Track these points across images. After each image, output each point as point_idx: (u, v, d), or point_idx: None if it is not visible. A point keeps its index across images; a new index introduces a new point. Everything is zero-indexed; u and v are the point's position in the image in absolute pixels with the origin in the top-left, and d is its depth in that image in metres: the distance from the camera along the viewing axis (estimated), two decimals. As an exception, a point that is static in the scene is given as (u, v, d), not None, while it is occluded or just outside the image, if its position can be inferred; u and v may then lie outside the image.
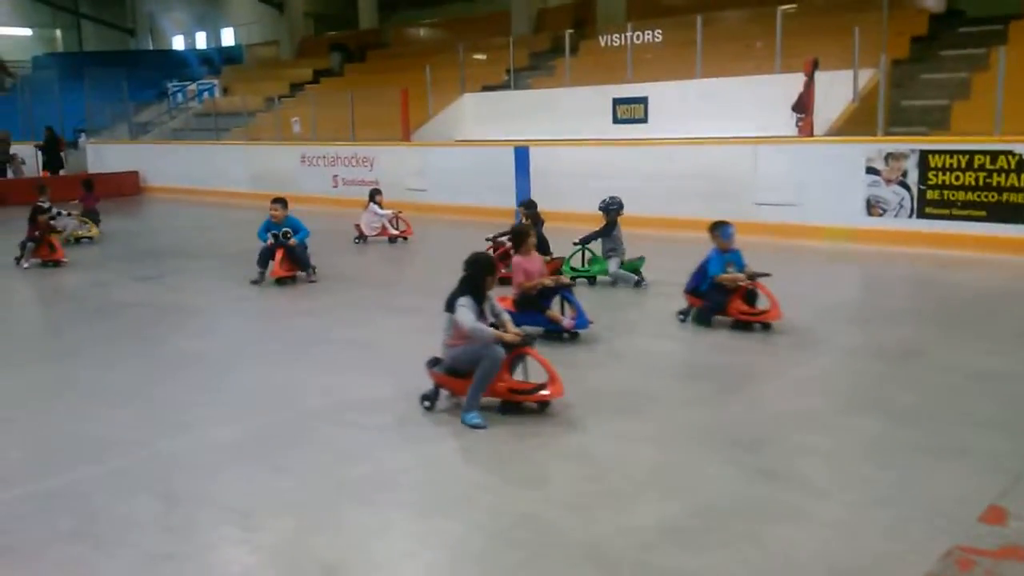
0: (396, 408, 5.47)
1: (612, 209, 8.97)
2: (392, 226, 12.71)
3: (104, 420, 5.42)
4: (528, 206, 9.57)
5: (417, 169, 16.26)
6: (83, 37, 40.26)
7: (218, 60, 31.93)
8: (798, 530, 3.76)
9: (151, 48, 39.40)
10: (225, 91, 26.57)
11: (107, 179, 21.82)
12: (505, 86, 18.34)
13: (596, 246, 9.13)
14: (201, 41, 38.79)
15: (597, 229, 8.97)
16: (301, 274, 9.62)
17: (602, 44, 17.58)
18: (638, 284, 8.78)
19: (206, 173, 20.82)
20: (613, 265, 8.91)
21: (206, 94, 26.46)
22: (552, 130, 15.41)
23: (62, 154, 22.74)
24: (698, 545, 3.67)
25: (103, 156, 23.81)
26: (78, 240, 13.31)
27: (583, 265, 9.17)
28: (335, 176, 18.06)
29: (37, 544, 3.80)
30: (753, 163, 12.23)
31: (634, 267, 8.97)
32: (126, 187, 21.76)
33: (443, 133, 17.51)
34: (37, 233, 11.25)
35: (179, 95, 27.19)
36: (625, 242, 9.05)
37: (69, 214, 13.38)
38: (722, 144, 12.79)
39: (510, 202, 14.92)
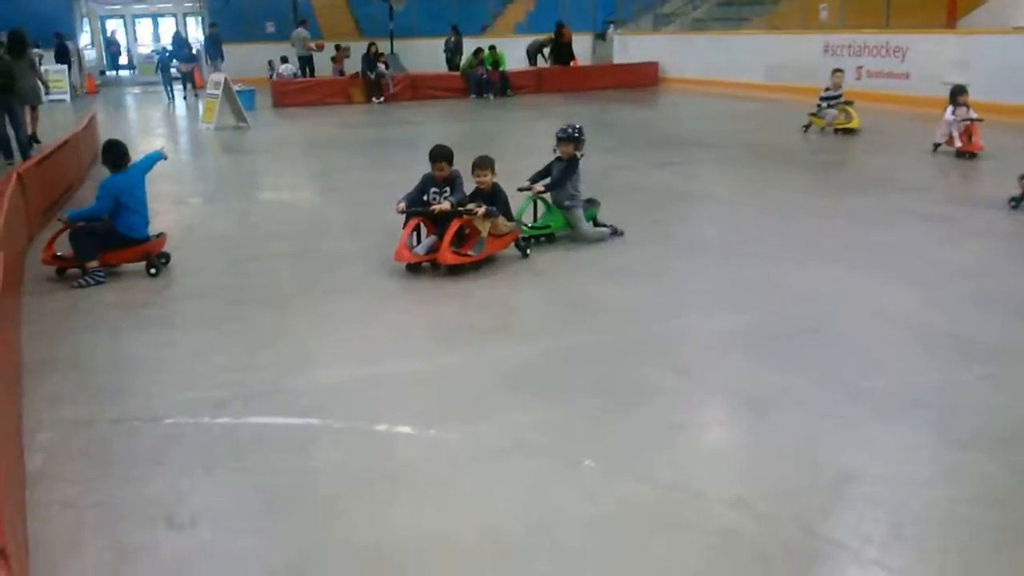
0: (917, 318, 5.02)
1: (582, 140, 6.87)
2: (961, 138, 9.95)
3: (620, 294, 5.78)
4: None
5: (958, 61, 14.29)
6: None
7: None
8: None
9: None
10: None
11: (628, 69, 23.11)
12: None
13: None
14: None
15: (554, 170, 6.86)
16: (73, 271, 6.31)
17: None
18: (614, 233, 7.01)
19: (722, 64, 20.79)
20: (580, 216, 6.83)
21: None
22: None
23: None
24: None
25: (627, 47, 25.10)
26: (836, 131, 12.15)
27: (536, 220, 6.96)
28: (859, 67, 16.73)
29: (567, 391, 4.21)
30: None
31: (591, 215, 6.99)
32: (646, 78, 22.74)
33: (1000, 19, 15.07)
34: None
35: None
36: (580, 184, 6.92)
37: (830, 105, 12.27)
38: None
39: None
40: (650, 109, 18.52)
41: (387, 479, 3.46)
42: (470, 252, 6.11)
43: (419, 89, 20.69)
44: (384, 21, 24.67)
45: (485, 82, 20.77)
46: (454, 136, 14.93)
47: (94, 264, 6.18)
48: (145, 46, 33.86)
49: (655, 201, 8.68)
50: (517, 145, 13.65)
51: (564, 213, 6.82)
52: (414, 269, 6.11)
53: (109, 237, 6.25)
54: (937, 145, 10.34)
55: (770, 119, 15.47)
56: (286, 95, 19.67)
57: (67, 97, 22.12)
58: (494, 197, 6.29)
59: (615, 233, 6.98)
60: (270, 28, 27.61)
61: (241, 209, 9.19)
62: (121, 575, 2.88)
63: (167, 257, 6.55)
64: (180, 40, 25.58)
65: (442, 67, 23.99)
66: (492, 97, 20.55)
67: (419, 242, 6.21)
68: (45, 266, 6.35)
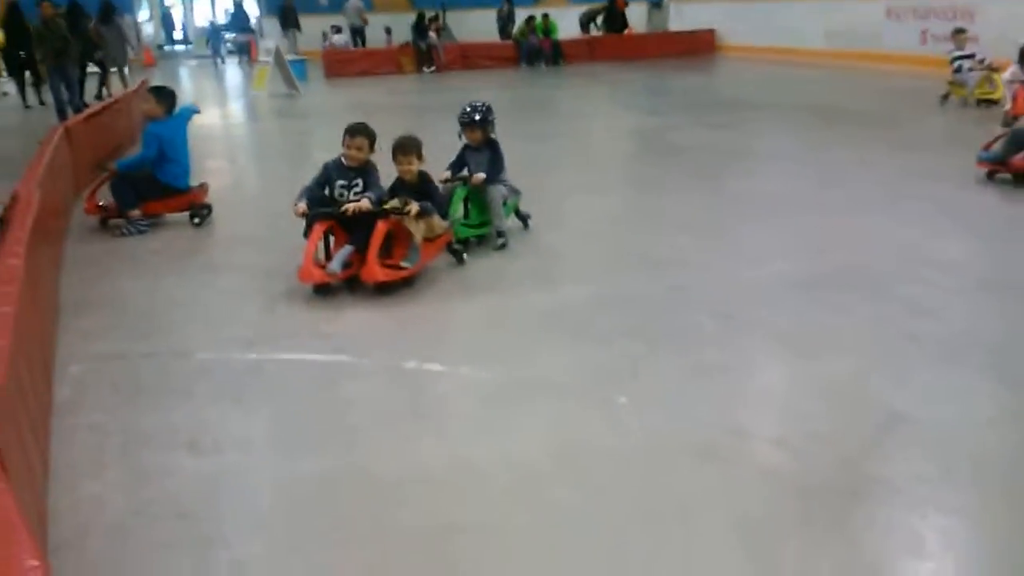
0: (973, 270, 4.79)
1: (491, 120, 5.59)
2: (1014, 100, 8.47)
3: (670, 243, 5.59)
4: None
5: (1032, 21, 13.61)
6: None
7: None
8: None
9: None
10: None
11: (683, 37, 22.59)
12: None
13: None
14: None
15: (472, 160, 5.56)
16: (116, 220, 6.27)
17: None
18: (527, 225, 5.86)
19: (781, 31, 20.14)
20: (497, 199, 5.45)
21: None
22: None
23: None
24: None
25: (683, 15, 24.52)
26: (979, 103, 10.49)
27: (465, 216, 5.52)
28: (924, 31, 16.08)
29: (606, 335, 4.05)
30: None
31: (513, 205, 5.74)
32: (702, 46, 22.19)
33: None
34: None
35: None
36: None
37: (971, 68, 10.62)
38: None
39: None
40: (705, 75, 18.08)
41: (414, 412, 3.37)
42: (403, 264, 4.72)
43: (470, 59, 20.52)
44: (436, -9, 24.55)
45: (536, 51, 20.51)
46: (503, 103, 14.69)
47: (136, 213, 6.20)
48: (202, 21, 34.19)
49: (705, 159, 8.43)
50: (569, 111, 13.49)
51: (483, 197, 5.44)
52: (324, 291, 4.65)
53: (151, 186, 6.26)
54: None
55: (829, 84, 14.96)
56: (337, 65, 19.68)
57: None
58: (424, 190, 4.90)
59: (525, 224, 5.83)
60: (323, 1, 27.66)
61: (284, 167, 9.18)
62: (138, 494, 2.83)
63: (209, 208, 6.54)
64: (239, 11, 25.77)
65: (495, 38, 23.77)
66: (544, 66, 20.28)
67: (328, 256, 4.81)
68: (89, 216, 6.39)
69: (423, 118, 12.40)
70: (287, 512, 2.75)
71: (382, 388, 3.59)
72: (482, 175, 5.36)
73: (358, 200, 4.72)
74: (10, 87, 17.82)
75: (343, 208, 4.68)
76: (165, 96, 6.46)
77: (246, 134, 12.46)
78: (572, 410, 3.33)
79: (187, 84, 19.95)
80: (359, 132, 4.87)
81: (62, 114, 11.44)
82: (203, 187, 6.56)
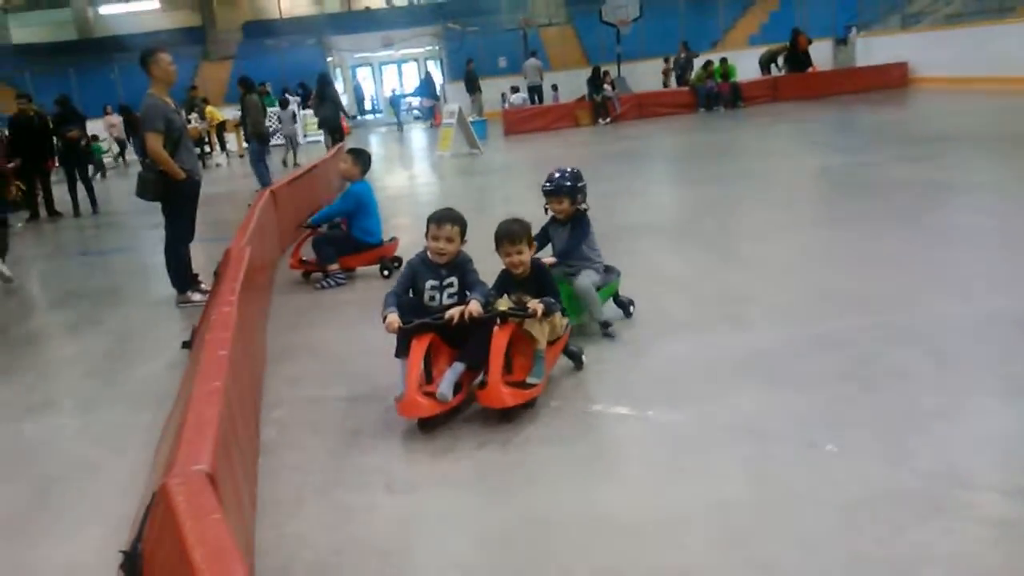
0: None
1: (581, 188, 4.69)
2: None
3: (868, 280, 5.23)
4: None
5: None
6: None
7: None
8: None
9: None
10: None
11: (872, 72, 21.59)
12: None
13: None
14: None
15: (555, 236, 4.77)
16: (316, 275, 6.67)
17: None
18: (629, 313, 4.91)
19: (982, 59, 18.81)
20: (590, 289, 4.55)
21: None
22: None
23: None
24: None
25: (871, 49, 23.50)
26: None
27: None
28: None
29: (810, 378, 3.82)
30: None
31: (611, 291, 4.86)
32: (893, 79, 21.11)
33: None
34: None
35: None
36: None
37: None
38: None
39: None
40: (898, 109, 17.11)
41: (601, 456, 3.30)
42: (529, 379, 3.74)
43: (645, 107, 20.51)
44: (612, 46, 24.80)
45: (715, 95, 20.23)
46: (679, 148, 14.61)
47: (335, 267, 6.55)
48: (389, 91, 36.33)
49: (901, 194, 7.89)
50: (751, 152, 13.13)
51: (568, 283, 4.56)
52: (430, 424, 3.66)
53: (346, 242, 6.62)
54: None
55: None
56: (516, 122, 20.23)
57: (322, 138, 24.12)
58: (540, 283, 3.96)
59: (627, 312, 4.93)
60: (503, 63, 28.68)
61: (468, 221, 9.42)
62: (338, 533, 2.90)
63: (399, 261, 6.80)
64: (428, 80, 27.25)
65: (671, 86, 23.72)
66: (722, 109, 19.96)
67: (428, 375, 3.80)
68: (292, 271, 6.81)
69: (597, 165, 12.50)
70: (480, 552, 2.73)
71: (569, 431, 3.53)
72: (551, 259, 4.57)
73: (461, 303, 3.83)
74: (222, 159, 19.63)
75: (447, 316, 3.75)
76: (361, 157, 6.84)
77: (431, 192, 12.95)
78: (774, 458, 3.12)
79: (376, 149, 21.13)
80: (447, 219, 3.96)
81: (263, 180, 12.40)
82: (393, 241, 6.87)
